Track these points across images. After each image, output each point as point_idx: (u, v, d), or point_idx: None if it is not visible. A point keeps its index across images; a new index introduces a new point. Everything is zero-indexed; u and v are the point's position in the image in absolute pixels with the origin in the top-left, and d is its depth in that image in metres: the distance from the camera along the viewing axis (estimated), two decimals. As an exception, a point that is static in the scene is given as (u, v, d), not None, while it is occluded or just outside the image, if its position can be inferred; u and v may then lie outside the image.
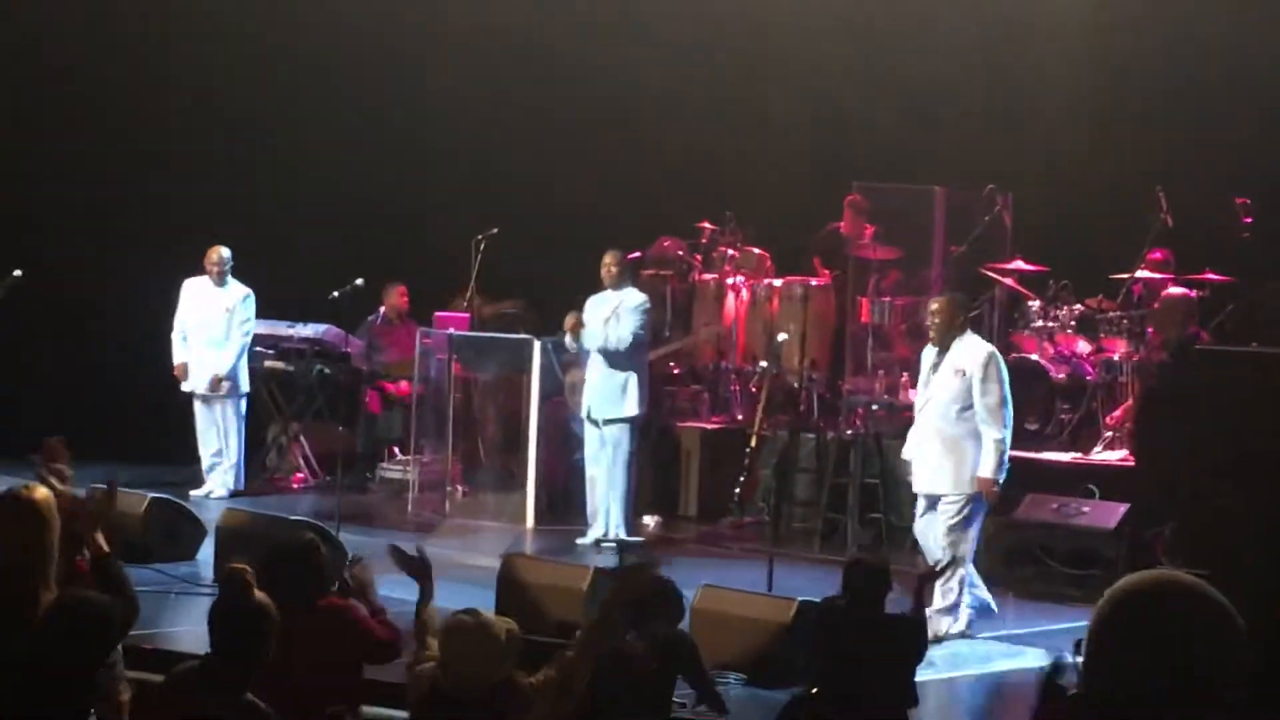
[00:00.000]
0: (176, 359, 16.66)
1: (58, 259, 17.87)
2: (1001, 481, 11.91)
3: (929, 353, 12.09)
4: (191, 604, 11.89)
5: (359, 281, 16.38)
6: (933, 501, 11.94)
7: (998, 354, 11.98)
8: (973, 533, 11.84)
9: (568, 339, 14.99)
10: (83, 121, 18.76)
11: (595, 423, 14.88)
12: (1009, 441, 11.89)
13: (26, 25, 18.80)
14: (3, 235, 17.98)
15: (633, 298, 14.92)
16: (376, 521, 15.52)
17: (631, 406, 14.80)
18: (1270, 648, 8.55)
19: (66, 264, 18.04)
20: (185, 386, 16.69)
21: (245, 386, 16.82)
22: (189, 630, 11.04)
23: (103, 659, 6.47)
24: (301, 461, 17.61)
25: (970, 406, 11.74)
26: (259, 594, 6.53)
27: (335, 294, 16.22)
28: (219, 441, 16.68)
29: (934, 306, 12.18)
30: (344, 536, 12.90)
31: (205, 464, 16.69)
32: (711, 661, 10.10)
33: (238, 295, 16.67)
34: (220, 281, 16.62)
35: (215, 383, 16.55)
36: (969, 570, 11.78)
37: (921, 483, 12.06)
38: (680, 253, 17.19)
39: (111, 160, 18.71)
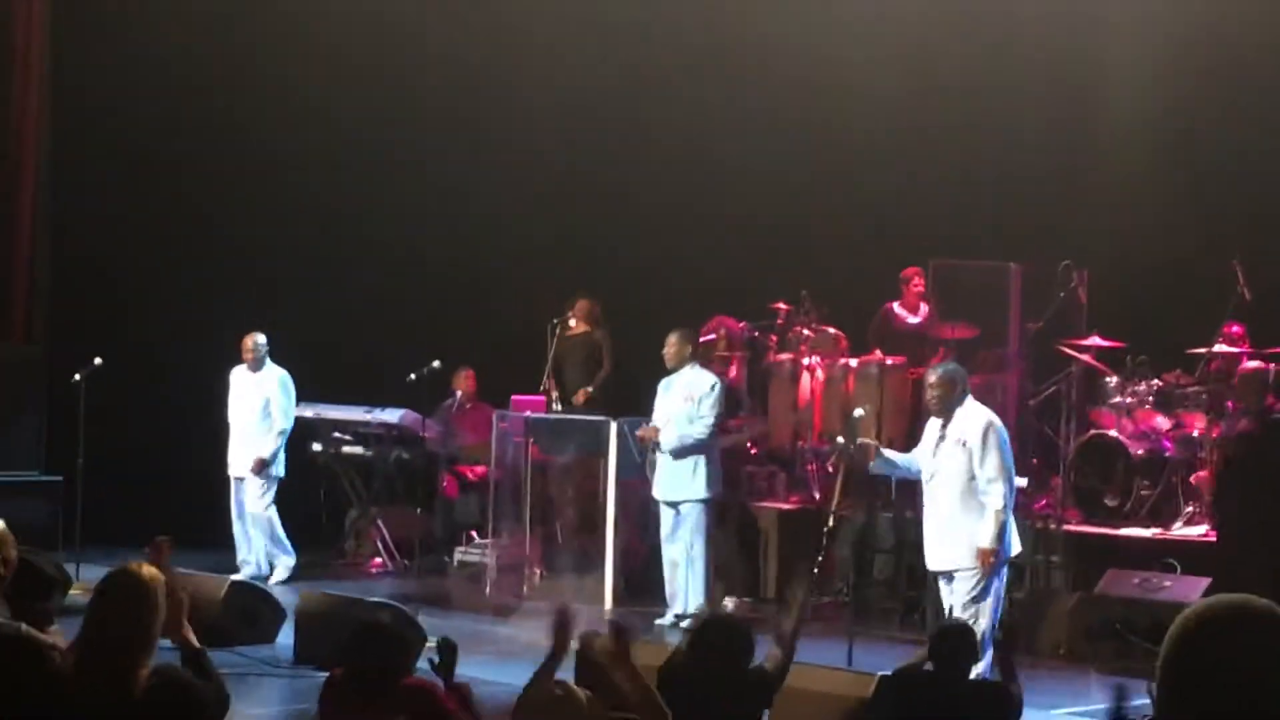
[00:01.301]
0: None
1: (138, 345, 18.03)
2: (1010, 555, 11.82)
3: (933, 425, 12.02)
4: (269, 685, 11.92)
5: (436, 364, 16.43)
6: (949, 577, 11.83)
7: (997, 422, 11.85)
8: (990, 604, 11.67)
9: (651, 452, 15.10)
10: (156, 200, 18.91)
11: (671, 504, 14.91)
12: (1009, 511, 11.78)
13: (95, 98, 18.98)
14: (87, 318, 18.16)
15: (703, 380, 14.99)
16: (454, 604, 15.55)
17: (701, 488, 14.86)
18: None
19: (147, 349, 18.19)
20: (229, 472, 16.77)
21: (280, 471, 16.77)
22: (266, 712, 11.09)
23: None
24: (380, 546, 17.66)
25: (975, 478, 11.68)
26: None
27: (413, 376, 16.26)
28: (257, 527, 16.65)
29: (931, 379, 12.10)
30: (423, 619, 12.94)
31: (240, 549, 16.72)
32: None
33: (273, 379, 16.69)
34: (255, 367, 16.67)
35: (258, 465, 16.54)
36: (988, 648, 11.52)
37: (934, 559, 11.97)
38: (735, 329, 17.11)
39: (186, 245, 18.88)
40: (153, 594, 6.16)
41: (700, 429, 14.86)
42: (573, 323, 17.34)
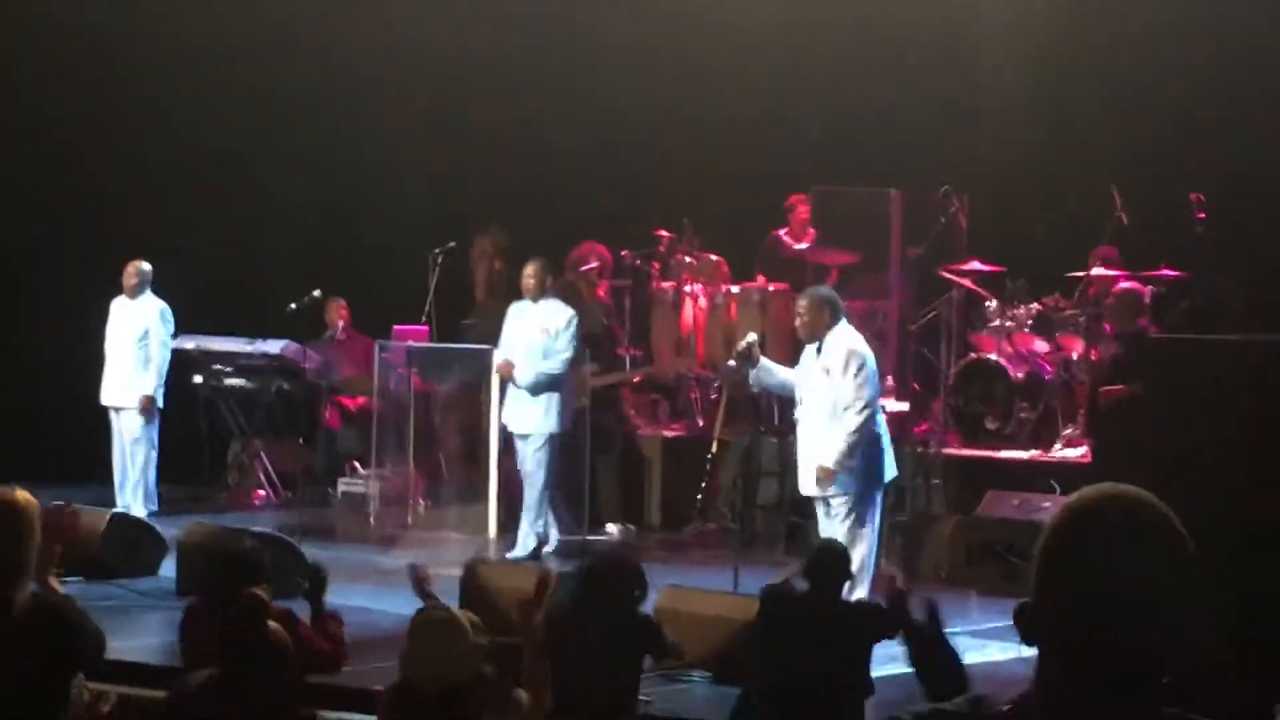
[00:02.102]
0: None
1: (7, 277, 17.85)
2: (886, 480, 11.91)
3: (808, 351, 12.00)
4: (151, 616, 11.87)
5: (316, 293, 16.34)
6: (825, 503, 11.85)
7: (860, 348, 11.79)
8: (868, 530, 11.72)
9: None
10: (27, 134, 18.67)
11: (521, 436, 14.84)
12: (884, 436, 11.86)
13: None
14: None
15: (560, 313, 14.81)
16: (339, 536, 15.56)
17: (553, 422, 14.75)
18: (1227, 633, 8.62)
19: (20, 283, 18.00)
20: (103, 401, 16.42)
21: (159, 404, 16.41)
22: (148, 643, 11.04)
23: (75, 668, 6.44)
24: (263, 478, 17.59)
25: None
26: (272, 624, 6.59)
27: (294, 305, 16.13)
28: (133, 458, 16.33)
29: (800, 305, 12.07)
30: (306, 550, 12.92)
31: (118, 482, 16.38)
32: (678, 660, 10.14)
33: (152, 309, 16.35)
34: (134, 294, 16.32)
35: (146, 404, 16.25)
36: (869, 572, 11.59)
37: (805, 485, 11.97)
38: (607, 255, 17.05)
39: (62, 178, 18.65)
40: (27, 517, 6.08)
41: (557, 364, 14.69)
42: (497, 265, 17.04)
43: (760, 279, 16.91)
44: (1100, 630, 2.89)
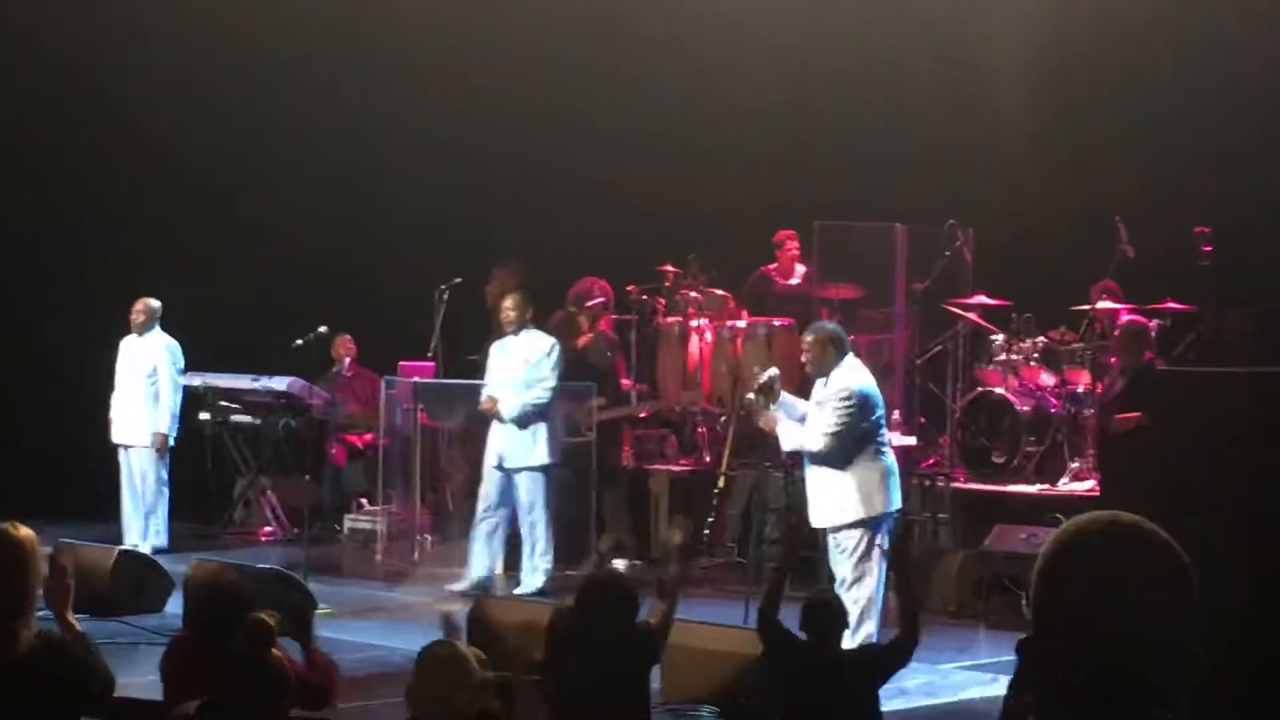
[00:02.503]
0: (111, 415, 16.47)
1: (23, 316, 17.87)
2: (892, 510, 11.82)
3: (818, 385, 11.99)
4: (158, 654, 11.81)
5: (323, 329, 16.34)
6: (832, 536, 11.85)
7: (856, 386, 11.69)
8: (874, 563, 11.62)
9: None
10: (36, 170, 18.68)
11: (506, 471, 14.72)
12: (816, 456, 11.77)
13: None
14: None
15: (539, 344, 14.73)
16: (346, 572, 15.57)
17: (543, 455, 14.64)
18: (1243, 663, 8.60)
19: (30, 321, 18.02)
20: (114, 439, 16.43)
21: (171, 440, 16.44)
22: (154, 680, 11.00)
23: (80, 708, 6.42)
24: (270, 514, 17.59)
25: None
26: (276, 652, 6.59)
27: (299, 341, 16.11)
28: (142, 496, 16.34)
29: (806, 340, 12.08)
30: (313, 586, 12.93)
31: (126, 520, 16.35)
32: (683, 695, 10.13)
33: (160, 346, 16.38)
34: (142, 331, 16.35)
35: (160, 442, 16.27)
36: (877, 605, 11.61)
37: (814, 517, 11.87)
38: (599, 289, 17.06)
39: (68, 217, 18.69)
40: (28, 553, 6.09)
41: (542, 392, 14.61)
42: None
43: (743, 314, 16.88)
44: (1095, 654, 2.88)
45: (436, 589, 14.43)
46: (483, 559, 14.68)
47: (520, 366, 14.69)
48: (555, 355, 14.73)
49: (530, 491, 14.66)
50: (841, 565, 11.62)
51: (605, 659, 8.11)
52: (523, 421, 14.62)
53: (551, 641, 8.17)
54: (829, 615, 8.50)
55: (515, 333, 14.76)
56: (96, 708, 6.32)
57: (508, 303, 14.80)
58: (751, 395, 12.53)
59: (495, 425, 14.79)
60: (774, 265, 17.56)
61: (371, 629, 12.98)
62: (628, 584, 8.64)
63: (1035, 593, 2.99)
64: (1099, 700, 2.88)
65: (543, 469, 14.69)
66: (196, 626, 7.84)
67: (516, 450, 14.68)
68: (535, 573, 14.60)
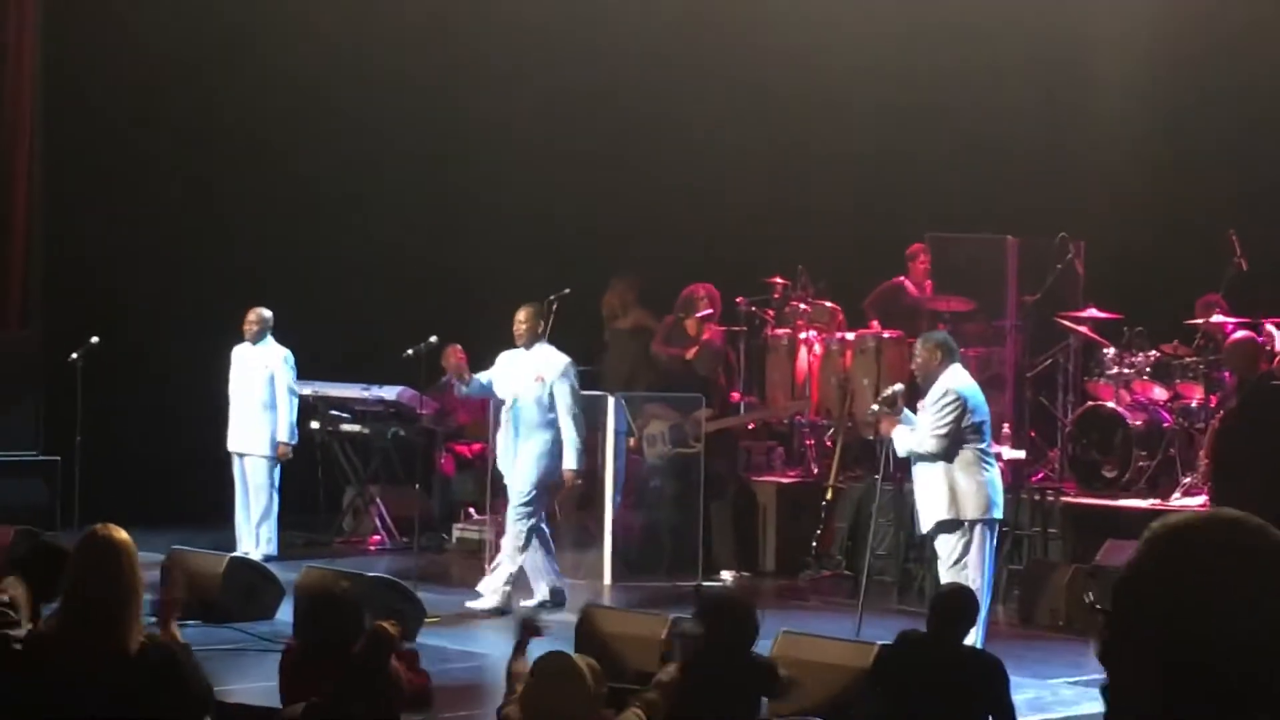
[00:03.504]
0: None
1: (137, 325, 18.05)
2: (993, 518, 11.95)
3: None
4: (269, 660, 11.92)
5: (433, 339, 16.37)
6: (939, 544, 11.98)
7: (958, 387, 11.95)
8: (974, 569, 11.69)
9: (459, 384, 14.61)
10: (148, 179, 18.85)
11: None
12: (925, 454, 11.95)
13: (88, 85, 18.89)
14: (82, 302, 18.14)
15: (555, 362, 14.38)
16: (454, 581, 15.60)
17: (550, 470, 14.35)
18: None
19: (144, 330, 18.17)
20: (228, 447, 16.52)
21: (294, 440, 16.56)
22: (265, 686, 11.09)
23: (187, 707, 6.49)
24: (378, 523, 17.68)
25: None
26: (394, 662, 6.68)
27: (410, 351, 16.14)
28: (254, 504, 16.39)
29: (916, 348, 12.42)
30: (422, 595, 13.01)
31: (239, 526, 16.43)
32: (792, 708, 10.09)
33: (276, 355, 16.46)
34: (256, 340, 16.40)
35: (284, 452, 16.37)
36: (984, 605, 11.53)
37: (925, 524, 12.17)
38: (704, 294, 16.99)
39: (183, 227, 18.85)
40: (127, 552, 6.20)
41: (568, 420, 14.24)
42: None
43: (874, 325, 16.84)
44: (1193, 663, 2.54)
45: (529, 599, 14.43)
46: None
47: (533, 384, 14.32)
48: (571, 376, 14.37)
49: (530, 508, 14.35)
50: (941, 570, 11.69)
51: (720, 683, 8.08)
52: (540, 442, 14.30)
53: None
54: (957, 603, 8.44)
55: (527, 346, 14.43)
56: (200, 714, 6.39)
57: (520, 315, 14.48)
58: (875, 407, 12.66)
59: (506, 439, 14.45)
60: (907, 276, 17.48)
61: (478, 637, 13.02)
62: (751, 608, 8.60)
63: (1119, 594, 2.63)
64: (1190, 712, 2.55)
65: (542, 486, 14.37)
66: (307, 634, 7.90)
67: (527, 465, 14.36)
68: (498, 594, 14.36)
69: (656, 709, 7.27)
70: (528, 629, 8.13)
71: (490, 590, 14.31)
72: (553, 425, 14.31)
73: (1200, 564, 2.56)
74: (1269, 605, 2.52)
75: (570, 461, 14.31)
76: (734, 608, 8.65)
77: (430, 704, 8.09)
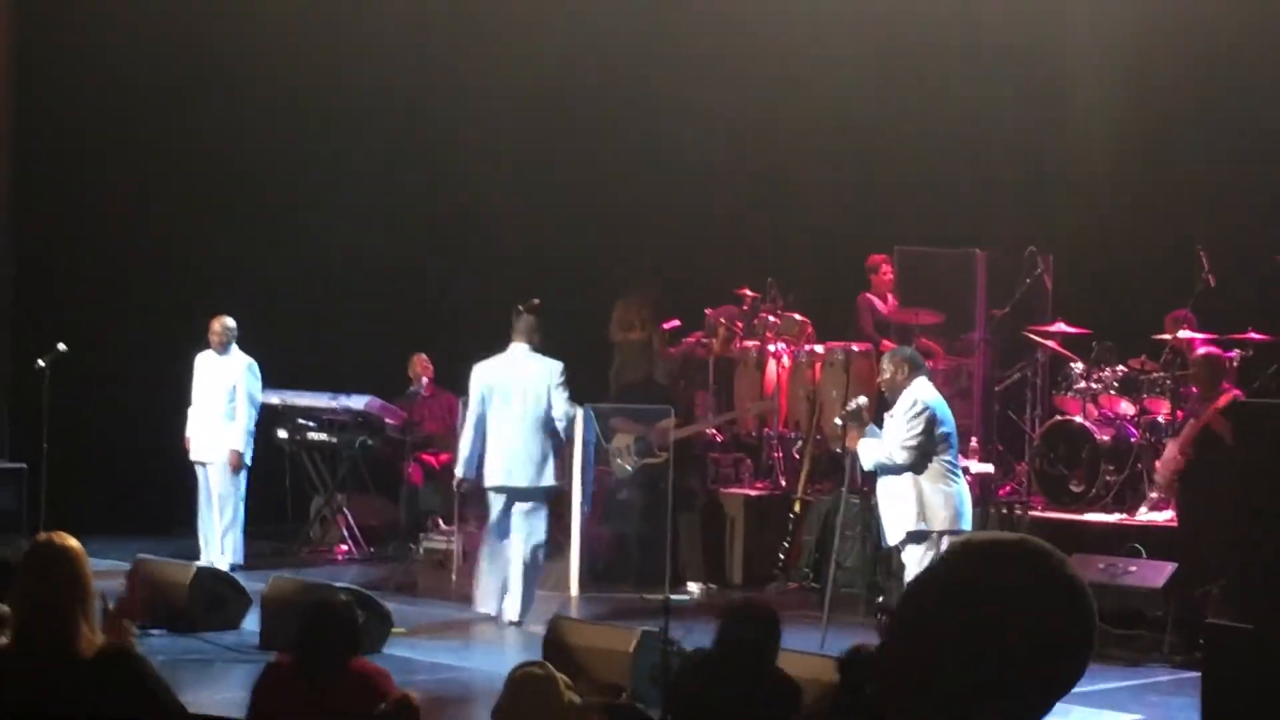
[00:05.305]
0: (188, 431, 16.40)
1: (104, 332, 18.00)
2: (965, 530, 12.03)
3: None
4: (235, 670, 11.90)
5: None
6: (907, 556, 12.12)
7: (924, 399, 12.17)
8: None
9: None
10: (108, 185, 18.80)
11: (510, 491, 14.07)
12: (894, 465, 12.13)
13: (56, 91, 18.83)
14: (49, 309, 18.09)
15: (554, 365, 14.10)
16: (421, 591, 15.59)
17: (550, 477, 14.12)
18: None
19: (106, 338, 18.12)
20: (192, 456, 16.38)
21: (248, 460, 16.34)
22: (231, 697, 11.06)
23: (151, 711, 6.46)
24: (345, 533, 17.65)
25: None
26: None
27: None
28: (221, 512, 16.26)
29: (883, 363, 12.68)
30: (389, 606, 12.97)
31: (202, 536, 16.31)
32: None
33: (240, 364, 16.33)
34: (222, 350, 16.30)
35: (235, 460, 16.18)
36: None
37: (890, 537, 12.36)
38: (724, 319, 17.10)
39: (150, 234, 18.80)
40: (75, 559, 6.19)
41: (564, 422, 14.06)
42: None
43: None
44: (955, 660, 2.78)
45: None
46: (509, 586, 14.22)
47: (536, 390, 14.02)
48: (565, 378, 14.04)
49: (537, 514, 14.09)
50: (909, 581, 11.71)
51: (744, 696, 7.83)
52: (540, 445, 14.03)
53: (683, 676, 7.90)
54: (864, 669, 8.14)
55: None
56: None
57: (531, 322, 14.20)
58: (838, 420, 12.74)
59: (503, 445, 14.08)
60: (870, 290, 17.50)
61: (446, 649, 13.00)
62: (770, 612, 8.40)
63: (903, 598, 2.88)
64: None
65: (549, 491, 14.18)
66: (301, 648, 7.83)
67: (527, 470, 14.05)
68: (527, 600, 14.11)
69: None
70: None
71: (519, 600, 14.00)
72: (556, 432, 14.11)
73: (986, 579, 2.79)
74: (1026, 622, 2.77)
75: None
76: (758, 612, 8.41)
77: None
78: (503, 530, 14.12)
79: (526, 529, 13.98)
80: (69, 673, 6.02)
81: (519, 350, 14.12)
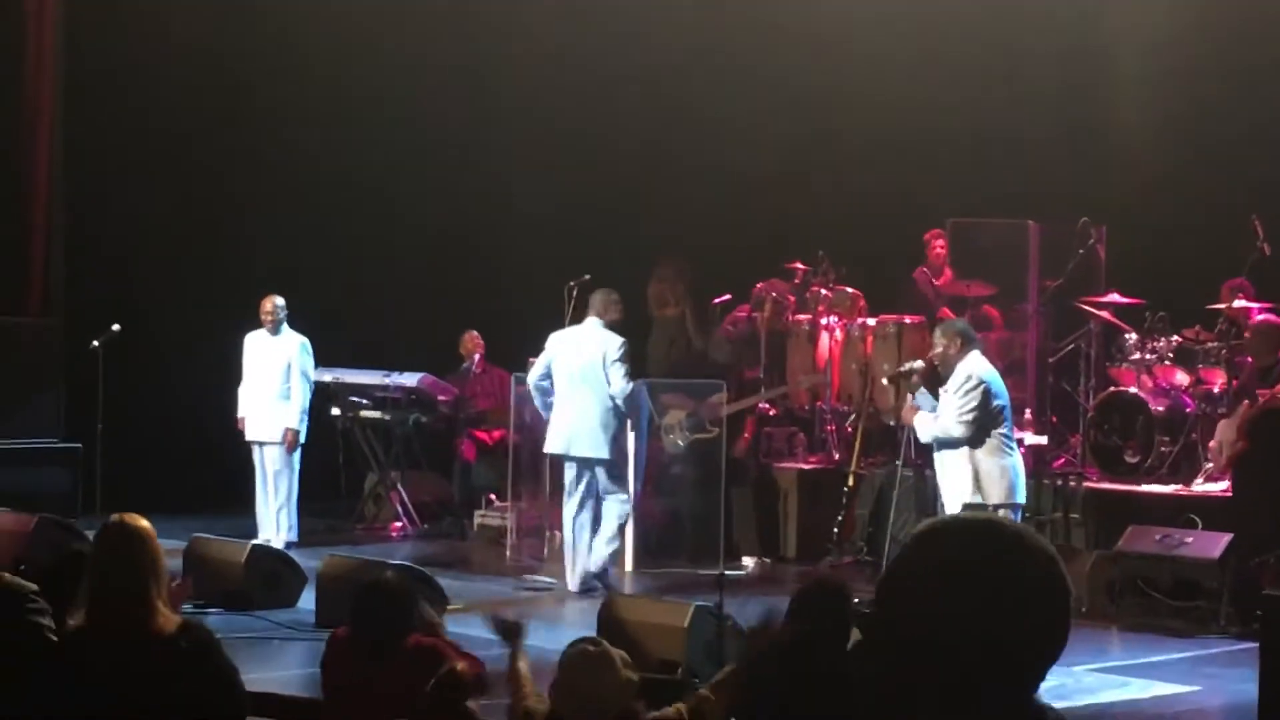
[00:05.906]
0: (240, 411, 16.47)
1: (158, 312, 18.08)
2: (1016, 502, 12.29)
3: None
4: (291, 648, 11.95)
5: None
6: None
7: (979, 373, 12.31)
8: None
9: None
10: (170, 170, 18.86)
11: (575, 460, 14.49)
12: (951, 439, 12.31)
13: (108, 72, 18.88)
14: (103, 290, 18.16)
15: (612, 340, 14.44)
16: (475, 568, 15.62)
17: (605, 449, 14.38)
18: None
19: (165, 317, 18.20)
20: (247, 436, 16.46)
21: (302, 438, 16.41)
22: (288, 675, 11.11)
23: (223, 688, 6.45)
24: (400, 510, 17.69)
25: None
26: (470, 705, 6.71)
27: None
28: (276, 490, 16.33)
29: (936, 335, 12.78)
30: (443, 582, 12.98)
31: (259, 515, 16.36)
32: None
33: (293, 343, 16.37)
34: (274, 330, 16.34)
35: (292, 439, 16.25)
36: None
37: (948, 505, 12.44)
38: (775, 294, 17.05)
39: (201, 214, 18.88)
40: (148, 539, 6.25)
41: (619, 391, 14.35)
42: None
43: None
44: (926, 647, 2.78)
45: (562, 585, 14.47)
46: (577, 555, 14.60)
47: (600, 363, 14.40)
48: (627, 351, 14.45)
49: (601, 484, 14.50)
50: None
51: (814, 682, 7.45)
52: (602, 414, 14.38)
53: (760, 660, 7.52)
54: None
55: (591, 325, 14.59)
56: (234, 696, 6.38)
57: (598, 297, 14.67)
58: (885, 381, 12.80)
59: (566, 414, 14.48)
60: (925, 265, 17.44)
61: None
62: (846, 591, 7.89)
63: (882, 577, 2.88)
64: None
65: (609, 461, 14.48)
66: (355, 623, 7.86)
67: (587, 440, 14.42)
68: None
69: (710, 709, 7.07)
70: (510, 632, 7.75)
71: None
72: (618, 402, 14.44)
73: (951, 559, 2.77)
74: (998, 603, 2.75)
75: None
76: (833, 590, 7.99)
77: (487, 687, 7.96)
78: (578, 497, 14.50)
79: (602, 499, 14.46)
80: (147, 650, 6.07)
81: (590, 324, 14.58)
